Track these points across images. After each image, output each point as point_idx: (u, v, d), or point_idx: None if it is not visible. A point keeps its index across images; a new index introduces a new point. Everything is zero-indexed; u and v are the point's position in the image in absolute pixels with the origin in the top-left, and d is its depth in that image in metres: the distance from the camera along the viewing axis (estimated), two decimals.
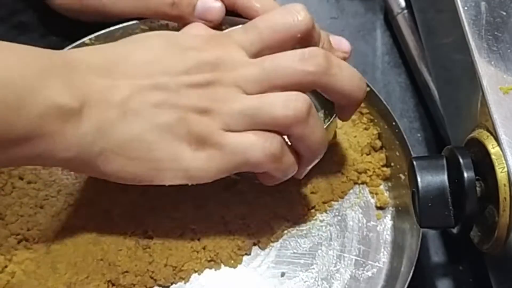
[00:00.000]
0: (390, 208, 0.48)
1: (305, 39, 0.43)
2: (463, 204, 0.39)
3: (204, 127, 0.39)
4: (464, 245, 0.46)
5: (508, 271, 0.40)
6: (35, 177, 0.46)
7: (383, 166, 0.49)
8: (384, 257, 0.46)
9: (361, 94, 0.43)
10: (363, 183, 0.49)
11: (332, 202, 0.48)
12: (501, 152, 0.38)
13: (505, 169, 0.38)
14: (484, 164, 0.39)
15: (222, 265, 0.45)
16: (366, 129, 0.50)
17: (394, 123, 0.48)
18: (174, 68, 0.40)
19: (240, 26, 0.44)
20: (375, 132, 0.50)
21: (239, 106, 0.40)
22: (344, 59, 0.47)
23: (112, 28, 0.49)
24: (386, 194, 0.49)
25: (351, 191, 0.49)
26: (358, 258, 0.46)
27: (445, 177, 0.40)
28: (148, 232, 0.45)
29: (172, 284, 0.44)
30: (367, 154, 0.49)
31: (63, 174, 0.46)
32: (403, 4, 0.56)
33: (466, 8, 0.43)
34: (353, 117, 0.49)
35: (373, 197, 0.49)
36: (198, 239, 0.45)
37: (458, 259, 0.49)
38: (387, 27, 0.58)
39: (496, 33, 0.42)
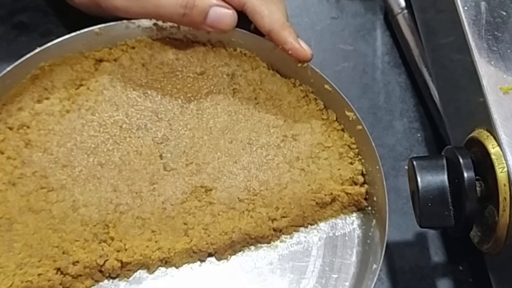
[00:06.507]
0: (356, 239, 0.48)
1: None
2: (463, 204, 0.39)
3: None
4: (464, 245, 0.46)
5: (508, 271, 0.40)
6: (15, 154, 0.46)
7: (361, 198, 0.48)
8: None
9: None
10: (335, 211, 0.49)
11: (302, 228, 0.48)
12: (501, 152, 0.38)
13: (505, 169, 0.38)
14: (484, 164, 0.39)
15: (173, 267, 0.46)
16: (351, 163, 0.49)
17: (377, 167, 0.46)
18: None
19: None
20: (359, 168, 0.49)
21: None
22: None
23: (125, 21, 0.49)
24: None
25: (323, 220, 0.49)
26: None
27: (445, 177, 0.40)
28: (109, 228, 0.45)
29: (118, 277, 0.45)
30: (350, 185, 0.49)
31: (43, 156, 0.46)
32: (403, 4, 0.56)
33: (466, 8, 0.43)
34: (341, 149, 0.49)
35: (342, 229, 0.48)
36: (156, 241, 0.46)
37: (458, 259, 0.49)
38: (387, 27, 0.58)
39: (496, 33, 0.42)
